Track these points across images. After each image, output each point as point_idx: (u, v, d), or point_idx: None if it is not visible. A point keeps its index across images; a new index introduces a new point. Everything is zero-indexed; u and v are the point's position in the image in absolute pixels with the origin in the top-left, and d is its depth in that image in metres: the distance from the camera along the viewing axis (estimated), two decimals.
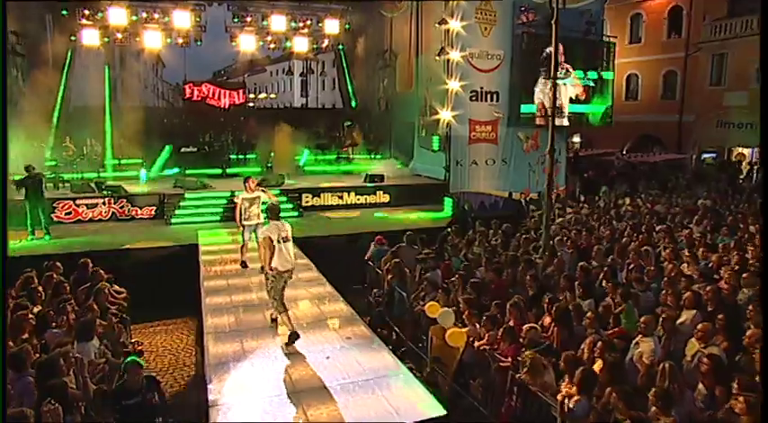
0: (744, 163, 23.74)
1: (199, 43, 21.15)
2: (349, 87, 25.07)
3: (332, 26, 22.71)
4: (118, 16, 19.60)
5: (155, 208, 14.58)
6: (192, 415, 6.63)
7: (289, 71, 42.47)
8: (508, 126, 17.62)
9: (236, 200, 9.94)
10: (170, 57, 26.30)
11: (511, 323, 7.07)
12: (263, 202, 9.17)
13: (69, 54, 19.50)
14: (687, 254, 9.34)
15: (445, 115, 16.63)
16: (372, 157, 21.48)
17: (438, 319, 7.35)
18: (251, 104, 33.37)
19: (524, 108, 17.25)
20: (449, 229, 12.29)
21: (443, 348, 7.30)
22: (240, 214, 9.68)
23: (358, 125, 23.04)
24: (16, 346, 5.87)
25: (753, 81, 21.87)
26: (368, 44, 23.06)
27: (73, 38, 19.89)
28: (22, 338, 6.35)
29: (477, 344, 6.83)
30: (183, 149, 19.17)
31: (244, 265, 10.07)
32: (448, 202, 16.01)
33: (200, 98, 22.91)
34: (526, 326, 6.47)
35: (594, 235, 11.86)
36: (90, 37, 19.88)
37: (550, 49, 16.87)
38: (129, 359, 5.55)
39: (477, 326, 7.27)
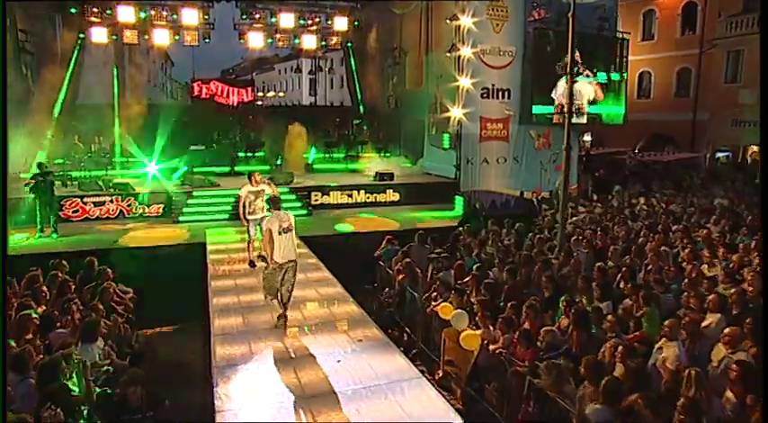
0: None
1: (207, 40, 21.00)
2: (357, 85, 24.87)
3: (341, 23, 22.53)
4: (126, 14, 19.50)
5: (162, 206, 14.46)
6: (198, 417, 6.44)
7: (297, 69, 42.36)
8: (520, 124, 17.37)
9: (240, 193, 9.71)
10: (179, 55, 26.25)
11: (527, 326, 6.85)
12: (268, 195, 9.00)
13: (76, 52, 19.38)
14: (707, 254, 9.06)
15: (456, 113, 16.40)
16: (381, 155, 21.27)
17: (451, 321, 7.14)
18: (259, 103, 33.29)
19: (540, 109, 17.01)
20: (461, 229, 12.06)
21: (457, 351, 7.09)
22: (244, 208, 9.56)
23: (367, 123, 22.86)
24: (20, 347, 5.74)
25: None
26: (377, 41, 22.80)
27: (82, 35, 19.81)
28: (26, 339, 6.20)
29: (492, 347, 6.61)
30: (191, 147, 19.04)
31: (252, 264, 9.90)
32: (459, 200, 15.76)
33: (208, 96, 22.79)
34: (544, 329, 6.25)
35: (609, 235, 11.59)
36: (99, 35, 19.79)
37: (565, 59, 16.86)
38: (128, 372, 5.35)
39: (492, 328, 7.06)
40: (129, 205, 14.22)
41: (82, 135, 17.69)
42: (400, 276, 9.09)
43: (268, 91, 58.70)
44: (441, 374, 7.33)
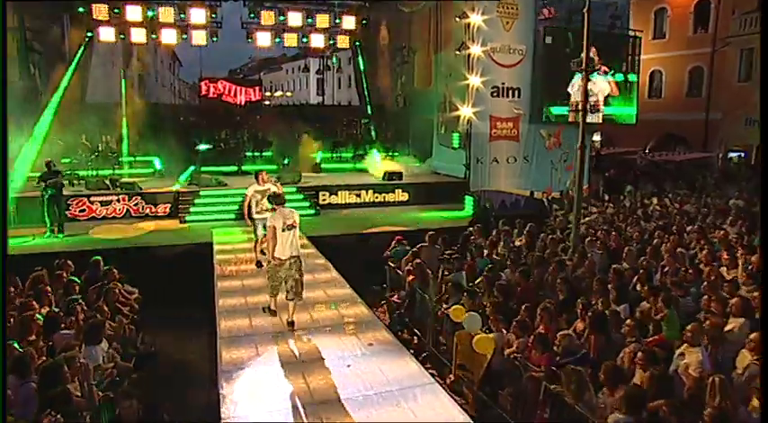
0: None
1: (215, 39, 20.86)
2: (366, 84, 24.69)
3: (349, 22, 22.34)
4: (134, 13, 19.42)
5: (169, 205, 14.35)
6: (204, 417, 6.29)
7: (305, 68, 42.20)
8: (530, 123, 17.15)
9: (246, 193, 9.57)
10: (186, 55, 26.16)
11: (541, 329, 6.65)
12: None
13: (82, 49, 19.32)
14: (726, 256, 8.82)
15: (466, 112, 16.19)
16: (390, 154, 21.09)
17: (464, 324, 6.94)
18: (267, 102, 33.19)
19: (558, 109, 16.82)
20: (471, 229, 11.85)
21: (469, 355, 6.87)
22: (250, 208, 9.46)
23: (375, 122, 22.69)
24: (23, 349, 5.61)
25: None
26: (386, 40, 22.60)
27: (90, 34, 19.73)
28: (29, 340, 6.07)
29: (507, 351, 6.41)
30: (198, 147, 18.95)
31: (259, 264, 9.75)
32: (469, 200, 15.56)
33: (215, 95, 22.67)
34: (560, 333, 6.05)
35: (623, 236, 11.36)
36: (106, 34, 19.71)
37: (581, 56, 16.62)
38: (123, 387, 5.19)
39: (505, 332, 6.87)
40: (135, 205, 14.12)
41: (89, 134, 17.62)
42: (410, 277, 8.91)
43: (275, 91, 58.63)
44: (452, 378, 7.14)
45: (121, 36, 19.89)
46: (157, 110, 21.97)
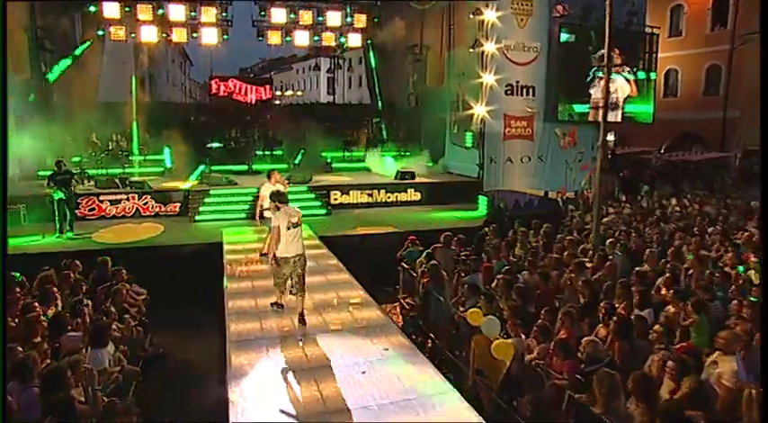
0: None
1: (226, 37, 20.74)
2: (377, 83, 24.47)
3: (360, 20, 22.13)
4: (144, 12, 19.34)
5: (179, 204, 14.21)
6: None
7: (315, 67, 42.04)
8: (544, 122, 16.83)
9: (261, 192, 9.41)
10: (197, 54, 26.08)
11: (563, 334, 6.38)
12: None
13: (87, 44, 19.28)
14: (753, 259, 8.49)
15: (479, 110, 15.91)
16: (401, 154, 20.87)
17: (482, 328, 6.68)
18: (277, 101, 33.08)
19: (578, 107, 16.56)
20: (486, 229, 11.58)
21: (487, 360, 6.61)
22: (262, 208, 9.32)
23: (386, 121, 22.47)
24: (27, 352, 5.43)
25: None
26: (398, 38, 22.37)
27: (101, 32, 19.70)
28: (34, 343, 5.88)
29: (527, 357, 6.15)
30: (208, 145, 18.84)
31: (263, 254, 9.56)
32: (483, 200, 15.27)
33: (226, 94, 22.57)
34: (585, 339, 5.77)
35: (642, 237, 11.05)
36: (117, 33, 19.65)
37: (602, 52, 16.32)
38: (121, 403, 4.99)
39: (524, 336, 6.61)
40: (145, 203, 14.00)
41: (99, 133, 17.55)
42: (425, 279, 8.65)
43: (286, 90, 58.59)
44: (469, 384, 6.89)
45: (132, 35, 19.84)
46: (168, 109, 21.97)
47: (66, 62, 18.53)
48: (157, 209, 14.08)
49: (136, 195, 14.01)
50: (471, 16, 16.07)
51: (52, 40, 18.55)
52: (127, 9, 19.30)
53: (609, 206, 15.21)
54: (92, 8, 19.25)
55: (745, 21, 23.35)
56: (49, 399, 4.42)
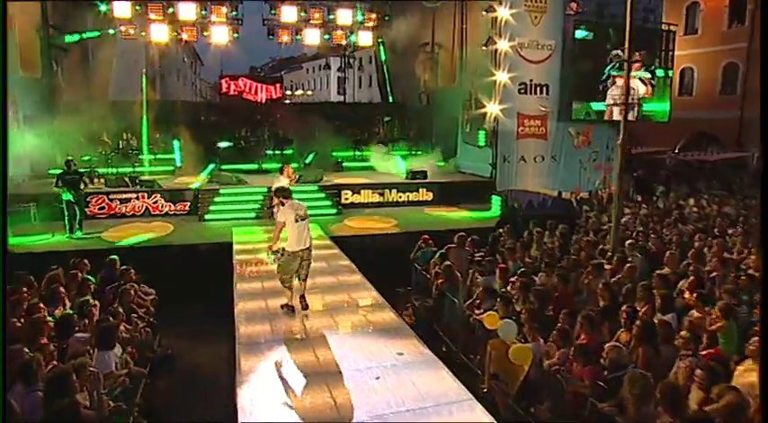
0: None
1: (237, 35, 20.63)
2: (388, 82, 24.27)
3: (371, 19, 21.93)
4: (155, 11, 19.27)
5: (189, 204, 14.10)
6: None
7: (326, 67, 41.88)
8: (558, 121, 16.57)
9: (274, 188, 9.26)
10: (207, 53, 26.00)
11: (583, 339, 6.16)
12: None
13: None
14: None
15: (492, 109, 15.68)
16: (413, 153, 20.66)
17: (498, 332, 6.47)
18: (287, 101, 33.01)
19: (596, 105, 16.33)
20: (500, 230, 11.35)
21: (504, 364, 6.39)
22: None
23: (397, 120, 22.27)
24: (34, 353, 5.29)
25: None
26: (409, 37, 22.16)
27: (112, 31, 19.67)
28: (40, 344, 5.75)
29: (546, 362, 5.93)
30: (218, 144, 18.75)
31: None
32: (496, 200, 15.01)
33: (236, 93, 22.45)
34: (609, 344, 5.54)
35: (660, 238, 10.77)
36: (128, 32, 19.60)
37: (616, 52, 16.06)
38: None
39: (542, 341, 6.39)
40: (154, 202, 13.90)
41: (110, 132, 17.50)
42: (439, 281, 8.45)
43: (296, 90, 58.56)
44: (485, 389, 6.67)
45: (142, 34, 19.79)
46: (178, 107, 21.84)
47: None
48: (167, 208, 13.98)
49: (146, 194, 13.93)
50: (484, 13, 15.84)
51: (64, 39, 18.55)
52: (138, 8, 19.25)
53: (624, 207, 14.92)
54: (102, 7, 19.21)
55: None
56: (52, 403, 4.26)
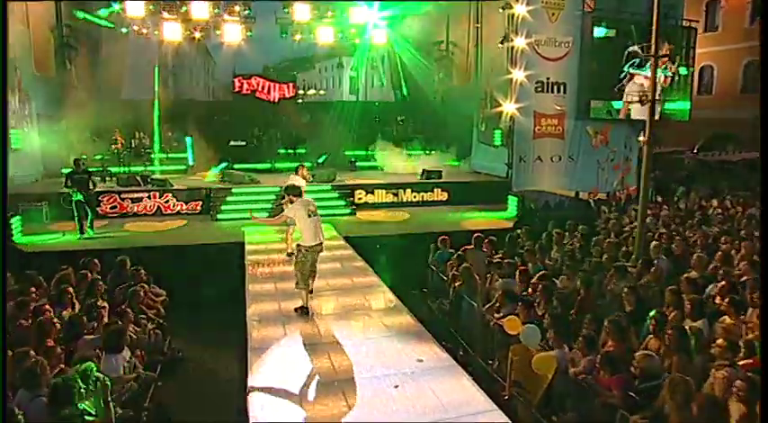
0: None
1: (250, 34, 20.49)
2: (402, 81, 24.00)
3: (385, 16, 21.68)
4: (168, 9, 19.19)
5: (201, 203, 13.96)
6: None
7: (339, 65, 41.56)
8: (576, 120, 16.22)
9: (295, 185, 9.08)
10: (220, 53, 25.82)
11: (609, 346, 5.86)
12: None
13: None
14: None
15: (508, 107, 15.37)
16: (427, 152, 20.39)
17: (521, 338, 6.19)
18: (300, 100, 32.84)
19: (617, 104, 16.03)
20: (518, 231, 11.05)
21: (526, 371, 6.11)
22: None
23: (411, 120, 22.01)
24: (40, 355, 5.11)
25: None
26: (423, 35, 21.88)
27: (125, 30, 19.61)
28: (46, 346, 5.56)
29: (572, 370, 5.64)
30: (231, 143, 18.63)
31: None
32: (512, 200, 14.69)
33: (249, 91, 22.25)
34: (640, 353, 5.25)
35: (685, 240, 10.41)
36: (141, 30, 19.55)
37: (632, 48, 15.66)
38: None
39: (566, 347, 6.10)
40: (166, 202, 13.77)
41: (122, 130, 17.44)
42: (456, 283, 8.19)
43: (309, 89, 58.43)
44: (506, 397, 6.39)
45: (155, 33, 19.72)
46: (190, 107, 21.76)
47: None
48: (179, 207, 13.86)
49: (157, 193, 13.82)
50: (501, 10, 15.53)
51: (77, 38, 18.52)
52: (151, 7, 19.17)
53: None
54: (115, 6, 19.15)
55: None
56: (57, 412, 4.06)
